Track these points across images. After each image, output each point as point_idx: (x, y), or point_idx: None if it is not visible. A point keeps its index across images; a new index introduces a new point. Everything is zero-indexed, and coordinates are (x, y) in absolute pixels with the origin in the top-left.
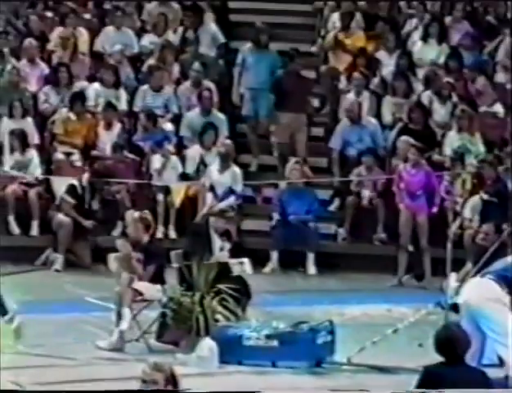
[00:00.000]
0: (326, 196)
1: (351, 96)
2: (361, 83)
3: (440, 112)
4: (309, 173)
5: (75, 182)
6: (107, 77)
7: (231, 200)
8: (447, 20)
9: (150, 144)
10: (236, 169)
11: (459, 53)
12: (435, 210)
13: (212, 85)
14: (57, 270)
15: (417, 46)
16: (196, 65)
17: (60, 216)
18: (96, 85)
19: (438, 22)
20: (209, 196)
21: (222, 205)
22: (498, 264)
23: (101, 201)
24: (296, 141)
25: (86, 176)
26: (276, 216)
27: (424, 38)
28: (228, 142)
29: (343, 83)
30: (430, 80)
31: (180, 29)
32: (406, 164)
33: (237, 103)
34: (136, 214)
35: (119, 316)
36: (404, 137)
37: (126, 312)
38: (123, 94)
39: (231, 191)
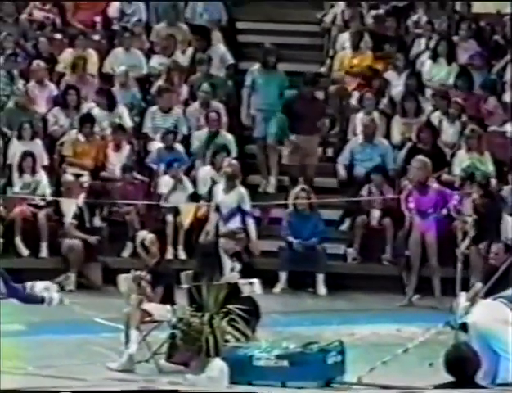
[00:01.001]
0: (336, 217)
1: (360, 116)
2: (371, 104)
3: (448, 132)
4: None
5: (75, 207)
6: (101, 99)
7: (249, 221)
8: (455, 39)
9: (163, 166)
10: (242, 190)
11: (468, 72)
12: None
13: (221, 106)
14: (70, 290)
15: (426, 66)
16: (205, 86)
17: (68, 240)
18: (96, 110)
19: (447, 41)
20: (214, 217)
21: (232, 226)
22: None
23: (103, 219)
24: (307, 164)
25: (82, 196)
26: (284, 239)
27: (434, 57)
28: (234, 162)
29: (353, 103)
30: (439, 100)
31: (189, 50)
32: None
33: (247, 124)
34: (145, 238)
35: (128, 337)
36: (419, 157)
37: (134, 334)
38: (123, 112)
39: (239, 211)
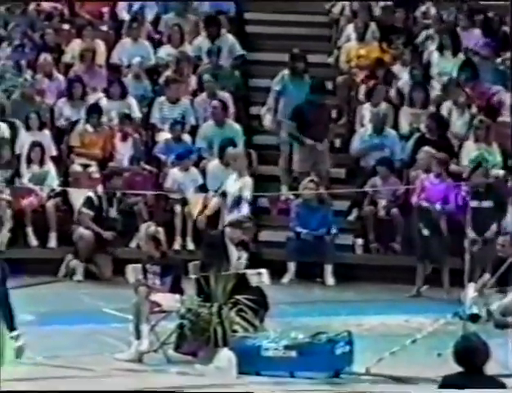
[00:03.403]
0: (344, 207)
1: (368, 106)
2: (381, 95)
3: (457, 123)
4: (324, 193)
5: (91, 194)
6: (112, 90)
7: (244, 210)
8: (459, 28)
9: (171, 157)
10: (247, 179)
11: (472, 63)
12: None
13: (228, 96)
14: (79, 281)
15: (434, 58)
16: (206, 76)
17: (81, 229)
18: (104, 100)
19: (451, 33)
20: (214, 201)
21: (237, 215)
22: None
23: (119, 211)
24: (319, 171)
25: (101, 186)
26: (292, 230)
27: (440, 49)
28: (240, 152)
29: (361, 95)
30: (453, 89)
31: (197, 41)
32: (429, 174)
33: (272, 129)
34: (148, 229)
35: (137, 328)
36: (426, 148)
37: (144, 329)
38: (133, 102)
39: (239, 200)
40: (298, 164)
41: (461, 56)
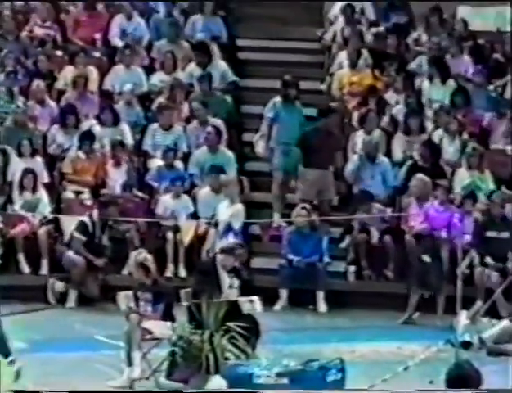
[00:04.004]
0: (336, 234)
1: (360, 134)
2: (373, 122)
3: (449, 150)
4: (316, 221)
5: (85, 219)
6: (104, 117)
7: (231, 238)
8: (449, 55)
9: (164, 184)
10: (239, 206)
11: (464, 89)
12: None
13: (220, 123)
14: (71, 308)
15: (425, 85)
16: (195, 104)
17: (71, 254)
18: (97, 127)
19: (438, 61)
20: (212, 233)
21: (227, 242)
22: None
23: (110, 238)
24: (323, 200)
25: (96, 212)
26: (284, 257)
27: (430, 77)
28: (232, 178)
29: (354, 122)
30: (442, 116)
31: (189, 67)
32: (432, 202)
33: (265, 156)
34: (137, 256)
35: (129, 355)
36: (419, 176)
37: (136, 356)
38: (125, 129)
39: (229, 228)
40: (303, 192)
41: (452, 83)
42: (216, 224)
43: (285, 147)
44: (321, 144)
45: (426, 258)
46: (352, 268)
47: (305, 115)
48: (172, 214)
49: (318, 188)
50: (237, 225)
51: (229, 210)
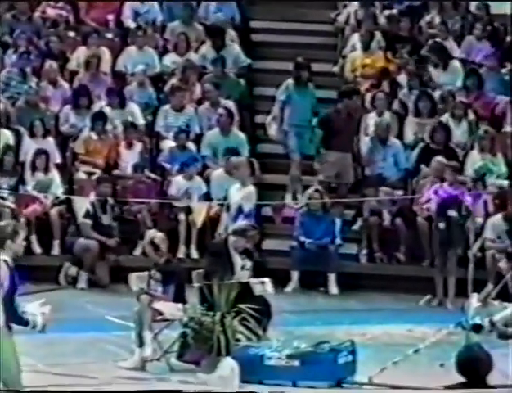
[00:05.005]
0: (349, 217)
1: (373, 115)
2: (383, 104)
3: (456, 133)
4: (329, 203)
5: (88, 204)
6: (111, 99)
7: (241, 220)
8: (468, 39)
9: (176, 166)
10: (251, 188)
11: (477, 72)
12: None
13: (232, 105)
14: (82, 288)
15: (432, 70)
16: (207, 85)
17: (83, 240)
18: (107, 109)
19: (436, 48)
20: (225, 216)
21: (239, 224)
22: None
23: (118, 218)
24: (341, 183)
25: (92, 193)
26: (296, 239)
27: (434, 64)
28: (243, 161)
29: (366, 103)
30: (448, 101)
31: (202, 50)
32: (443, 183)
33: (278, 139)
34: (150, 235)
35: (140, 336)
36: (439, 158)
37: (147, 336)
38: (135, 110)
39: (240, 211)
40: (323, 174)
41: (455, 64)
42: (228, 207)
43: (297, 130)
44: (341, 126)
45: (441, 225)
46: (364, 251)
47: (321, 98)
48: (184, 195)
49: (337, 171)
50: (248, 207)
51: (240, 193)
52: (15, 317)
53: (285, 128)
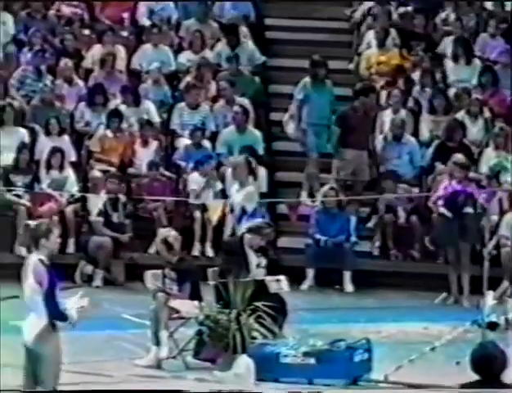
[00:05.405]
0: (364, 214)
1: (388, 113)
2: (399, 101)
3: (472, 130)
4: (344, 201)
5: (100, 204)
6: (126, 97)
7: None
8: (483, 36)
9: (191, 163)
10: (250, 188)
11: (492, 69)
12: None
13: (247, 102)
14: (97, 286)
15: (449, 65)
16: (222, 83)
17: (97, 238)
18: (123, 107)
19: (463, 41)
20: (230, 217)
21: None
22: None
23: (127, 215)
24: (357, 180)
25: (103, 191)
26: (311, 237)
27: (455, 58)
28: (241, 161)
29: (381, 101)
30: (463, 98)
31: (217, 47)
32: (452, 180)
33: (296, 137)
34: (162, 234)
35: (156, 334)
36: (459, 155)
37: (163, 335)
38: (150, 107)
39: (243, 212)
40: (340, 171)
41: (477, 62)
42: (231, 209)
43: (316, 128)
44: (358, 124)
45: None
46: (377, 243)
47: (337, 95)
48: (201, 193)
49: (354, 168)
50: (251, 208)
51: (240, 193)
52: (57, 314)
53: (303, 127)
